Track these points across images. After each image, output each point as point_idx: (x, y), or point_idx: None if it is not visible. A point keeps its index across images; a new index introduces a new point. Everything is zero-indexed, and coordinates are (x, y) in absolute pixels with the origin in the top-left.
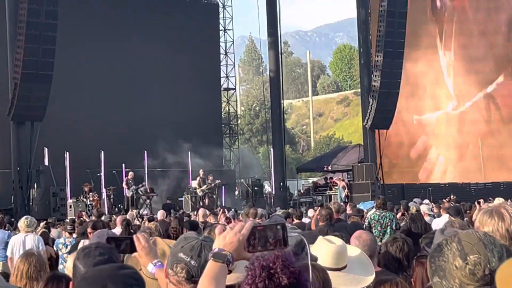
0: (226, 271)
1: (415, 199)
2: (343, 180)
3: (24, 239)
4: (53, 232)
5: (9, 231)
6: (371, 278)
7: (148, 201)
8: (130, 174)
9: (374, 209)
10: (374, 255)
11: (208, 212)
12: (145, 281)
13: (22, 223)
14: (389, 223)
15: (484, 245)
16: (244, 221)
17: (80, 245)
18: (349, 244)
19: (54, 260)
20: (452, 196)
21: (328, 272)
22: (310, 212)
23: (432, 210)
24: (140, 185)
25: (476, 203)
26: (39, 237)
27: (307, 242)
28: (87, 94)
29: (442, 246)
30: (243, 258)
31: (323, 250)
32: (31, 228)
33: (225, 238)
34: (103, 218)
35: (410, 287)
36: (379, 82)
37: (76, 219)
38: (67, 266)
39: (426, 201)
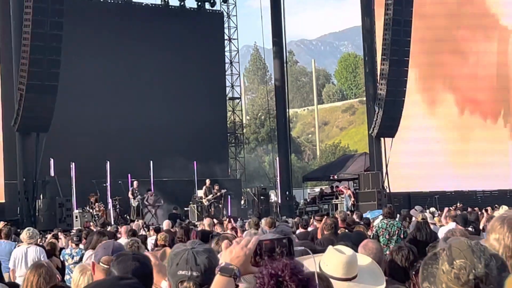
0: (233, 285)
1: (416, 207)
2: (349, 189)
3: (26, 251)
4: (61, 243)
5: (16, 242)
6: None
7: (154, 211)
8: (135, 183)
9: (381, 218)
10: (380, 264)
11: (214, 221)
12: None
13: (24, 234)
14: (396, 231)
15: (472, 252)
16: (249, 230)
17: (87, 256)
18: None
19: (61, 271)
20: (458, 204)
21: (339, 282)
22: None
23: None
24: (146, 194)
25: (483, 211)
26: (41, 248)
27: (312, 255)
28: (92, 104)
29: (437, 255)
30: (250, 272)
31: (334, 260)
32: (33, 240)
33: (232, 253)
34: (109, 228)
35: None
36: (385, 90)
37: (83, 230)
38: (73, 277)
39: (432, 209)
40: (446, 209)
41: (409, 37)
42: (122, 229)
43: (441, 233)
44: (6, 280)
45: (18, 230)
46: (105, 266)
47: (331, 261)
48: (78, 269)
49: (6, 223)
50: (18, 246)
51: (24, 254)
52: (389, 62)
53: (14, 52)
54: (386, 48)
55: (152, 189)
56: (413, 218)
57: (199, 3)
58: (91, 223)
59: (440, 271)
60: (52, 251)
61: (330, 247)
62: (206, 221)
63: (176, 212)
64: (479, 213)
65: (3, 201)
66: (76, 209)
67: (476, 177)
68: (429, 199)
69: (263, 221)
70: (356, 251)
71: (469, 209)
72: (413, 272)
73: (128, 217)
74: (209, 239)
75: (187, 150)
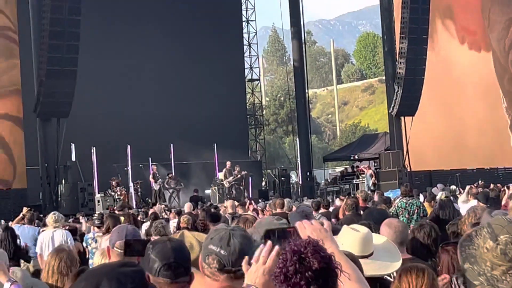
0: None
1: (438, 185)
2: (370, 168)
3: (52, 235)
4: (83, 227)
5: (39, 228)
6: (398, 264)
7: (175, 194)
8: (156, 167)
9: (400, 197)
10: (405, 242)
11: (236, 203)
12: (146, 282)
13: (50, 218)
14: (416, 210)
15: None
16: (272, 211)
17: (102, 241)
18: (379, 231)
19: (82, 255)
20: (480, 182)
21: None
22: (338, 202)
23: (456, 197)
24: (166, 177)
25: (505, 188)
26: (67, 232)
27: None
28: (112, 88)
29: (472, 236)
30: None
31: (349, 238)
32: (59, 224)
33: (252, 273)
34: (131, 211)
35: (436, 274)
36: (404, 69)
37: (107, 214)
38: (94, 261)
39: (453, 187)
40: (468, 186)
41: (428, 15)
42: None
43: (462, 211)
44: (32, 264)
45: (41, 215)
46: (119, 250)
47: (346, 239)
48: (99, 253)
49: (29, 208)
50: (43, 230)
51: (51, 238)
52: (407, 40)
53: (33, 38)
54: (404, 26)
55: (173, 172)
56: (437, 197)
57: None
58: (115, 207)
59: (483, 249)
60: (73, 235)
61: (344, 226)
62: (229, 203)
63: (197, 194)
64: (502, 189)
65: (26, 187)
66: (98, 193)
67: (497, 154)
68: (450, 177)
69: (272, 202)
70: (378, 230)
71: (491, 186)
72: (440, 246)
73: (149, 200)
74: (218, 221)
75: (207, 132)
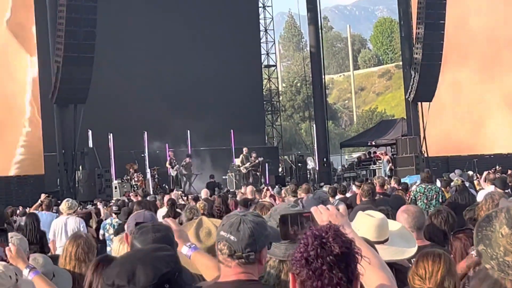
0: None
1: (456, 170)
2: (387, 154)
3: (66, 222)
4: (101, 213)
5: (57, 214)
6: (414, 250)
7: (192, 179)
8: (170, 153)
9: (418, 182)
10: (421, 228)
11: (266, 189)
12: (181, 266)
13: (63, 205)
14: (434, 196)
15: None
16: (288, 197)
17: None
18: (395, 217)
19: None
20: (497, 167)
21: None
22: (354, 188)
23: (472, 182)
24: (184, 161)
25: None
26: (80, 219)
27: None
28: (129, 75)
29: (491, 218)
30: None
31: (365, 224)
32: (72, 210)
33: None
34: (148, 198)
35: None
36: (420, 54)
37: (121, 199)
38: (113, 247)
39: (470, 172)
40: (485, 172)
41: (445, 0)
42: (166, 198)
43: (480, 197)
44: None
45: (58, 201)
46: None
47: (362, 225)
48: (117, 239)
49: (47, 195)
50: (57, 217)
51: (64, 224)
52: (424, 25)
53: (50, 24)
54: (421, 11)
55: (190, 158)
56: (452, 182)
57: None
58: (131, 193)
59: (498, 234)
60: (86, 222)
61: (360, 212)
62: (249, 188)
63: (213, 181)
64: None
65: (43, 173)
66: (115, 179)
67: None
68: (467, 163)
69: (289, 187)
70: (395, 215)
71: (509, 172)
72: (451, 233)
73: (166, 186)
74: (248, 207)
75: (224, 119)
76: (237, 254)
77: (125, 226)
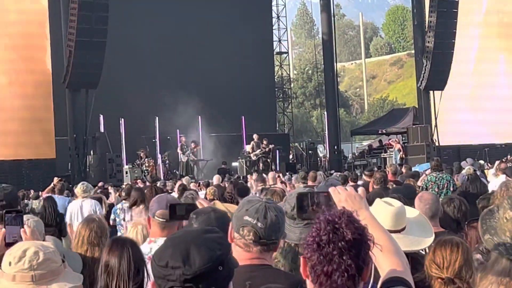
0: None
1: (467, 159)
2: (398, 143)
3: (81, 205)
4: (112, 198)
5: (69, 197)
6: (430, 240)
7: (201, 165)
8: (182, 139)
9: (429, 171)
10: (436, 215)
11: (277, 175)
12: (231, 248)
13: (78, 189)
14: (446, 184)
15: None
16: (299, 184)
17: (133, 214)
18: (408, 205)
19: None
20: (508, 157)
21: None
22: (364, 177)
23: (483, 172)
24: (192, 147)
25: None
26: (96, 201)
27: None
28: (141, 60)
29: (493, 211)
30: None
31: (382, 212)
32: (87, 193)
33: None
34: (158, 183)
35: None
36: (433, 42)
37: (131, 184)
38: (128, 234)
39: (481, 161)
40: (497, 161)
41: None
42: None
43: (491, 186)
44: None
45: (70, 185)
46: (161, 219)
47: (379, 213)
48: (130, 226)
49: (60, 178)
50: (73, 200)
51: (80, 207)
52: (436, 14)
53: (63, 9)
54: None
55: (201, 144)
56: (462, 171)
57: None
58: (139, 180)
59: (503, 220)
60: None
61: (377, 199)
62: (271, 174)
63: (224, 167)
64: None
65: (54, 157)
66: (126, 164)
67: None
68: (478, 152)
69: (300, 174)
70: (406, 204)
71: None
72: (466, 223)
73: (177, 172)
74: (247, 194)
75: (235, 105)
76: (262, 240)
77: (137, 213)
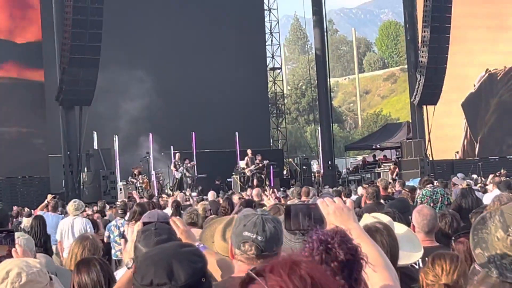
0: None
1: (458, 174)
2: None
3: (72, 223)
4: (106, 215)
5: (63, 215)
6: (419, 254)
7: (196, 181)
8: (177, 155)
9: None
10: (432, 231)
11: (271, 191)
12: (206, 259)
13: (70, 206)
14: (440, 199)
15: None
16: (294, 199)
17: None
18: (402, 220)
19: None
20: (502, 171)
21: None
22: (360, 190)
23: (476, 185)
24: (187, 163)
25: None
26: (87, 220)
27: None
28: (134, 77)
29: (486, 219)
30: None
31: None
32: (79, 211)
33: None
34: (153, 199)
35: None
36: (426, 57)
37: (126, 200)
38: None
39: (474, 176)
40: (491, 175)
41: (450, 3)
42: (170, 199)
43: (486, 200)
44: (54, 251)
45: (64, 203)
46: None
47: None
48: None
49: (53, 196)
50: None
51: (71, 225)
52: (430, 29)
53: (56, 26)
54: (427, 15)
55: (195, 160)
56: (455, 186)
57: None
58: (134, 192)
59: (494, 237)
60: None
61: (366, 214)
62: (255, 191)
63: (219, 183)
64: None
65: (48, 174)
66: (120, 181)
67: None
68: (472, 166)
69: (295, 190)
70: (400, 218)
71: None
72: (453, 239)
73: (171, 188)
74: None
75: (229, 121)
76: (265, 253)
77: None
